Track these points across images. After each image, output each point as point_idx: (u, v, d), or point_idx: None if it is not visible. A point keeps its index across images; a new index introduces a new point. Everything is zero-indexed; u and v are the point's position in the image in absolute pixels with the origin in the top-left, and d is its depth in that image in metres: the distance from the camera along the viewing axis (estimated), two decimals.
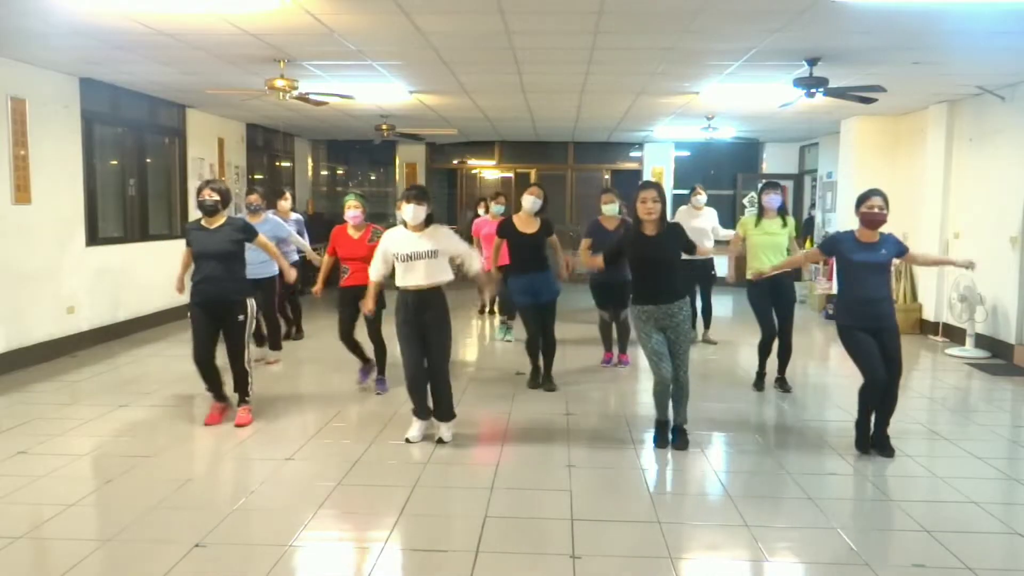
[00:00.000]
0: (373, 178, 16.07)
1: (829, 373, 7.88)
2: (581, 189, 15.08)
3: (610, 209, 7.01)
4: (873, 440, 5.03)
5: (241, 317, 5.33)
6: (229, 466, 4.81)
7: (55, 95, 7.53)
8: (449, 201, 15.63)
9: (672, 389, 5.03)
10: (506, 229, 6.52)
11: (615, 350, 7.41)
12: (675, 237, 5.03)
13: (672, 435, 5.12)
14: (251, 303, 5.42)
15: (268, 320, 7.38)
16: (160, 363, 7.44)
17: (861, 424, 5.04)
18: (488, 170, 15.42)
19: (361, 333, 6.26)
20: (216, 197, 5.32)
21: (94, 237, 8.22)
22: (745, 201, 14.08)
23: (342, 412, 5.77)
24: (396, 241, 5.02)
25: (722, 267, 8.98)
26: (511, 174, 15.32)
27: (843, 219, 10.10)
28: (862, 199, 4.92)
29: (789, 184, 14.59)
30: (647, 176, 14.49)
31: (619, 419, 5.77)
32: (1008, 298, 7.91)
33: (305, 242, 8.02)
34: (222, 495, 4.35)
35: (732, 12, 5.21)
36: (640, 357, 6.54)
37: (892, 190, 10.30)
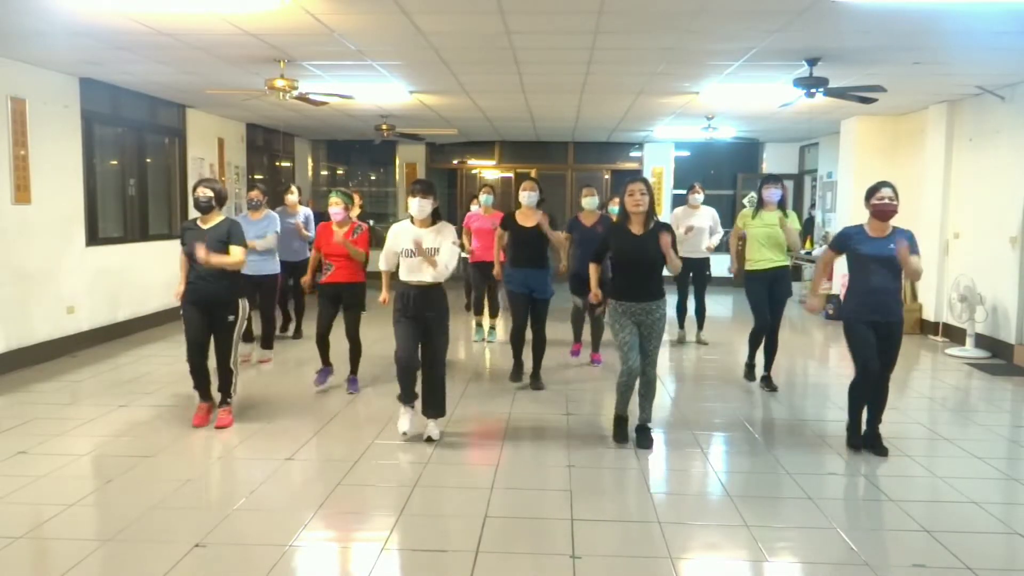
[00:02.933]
0: (373, 178, 16.07)
1: (828, 373, 7.87)
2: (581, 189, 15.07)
3: (589, 203, 7.07)
4: (865, 439, 5.05)
5: (231, 318, 5.30)
6: (229, 466, 4.81)
7: (55, 95, 7.53)
8: (449, 201, 15.62)
9: (639, 385, 5.05)
10: (507, 222, 6.60)
11: (580, 346, 7.44)
12: (662, 239, 4.92)
13: (637, 434, 5.12)
14: (243, 304, 5.40)
15: (265, 319, 7.40)
16: (160, 363, 7.44)
17: (853, 423, 5.07)
18: (488, 170, 15.41)
19: (339, 330, 6.27)
20: (210, 194, 5.28)
21: (94, 237, 8.22)
22: (745, 201, 14.07)
23: (342, 412, 5.77)
24: (400, 235, 5.02)
25: (718, 266, 8.96)
26: (511, 174, 15.32)
27: (843, 219, 10.10)
28: (872, 191, 4.93)
29: (789, 184, 14.58)
30: (647, 176, 14.51)
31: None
32: (1008, 298, 7.91)
33: (271, 240, 7.46)
34: (222, 495, 4.35)
35: (732, 12, 5.21)
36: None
37: None
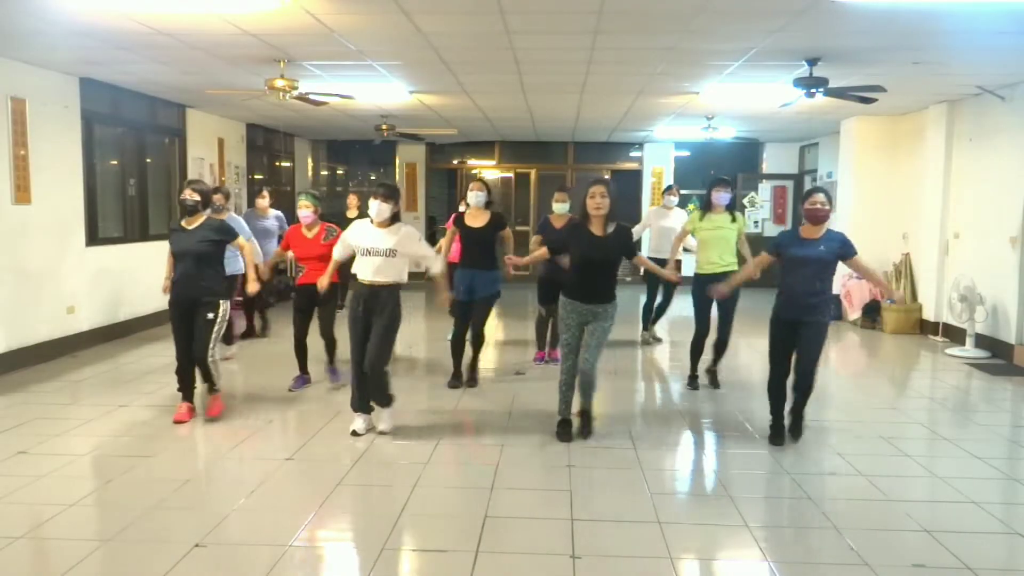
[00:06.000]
0: (373, 178, 16.05)
1: (828, 374, 7.86)
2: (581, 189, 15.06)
3: (560, 208, 7.08)
4: (788, 423, 5.15)
5: (211, 316, 5.37)
6: (229, 466, 4.81)
7: (55, 95, 7.53)
8: (449, 201, 15.62)
9: (577, 380, 5.08)
10: (458, 221, 6.60)
11: (544, 354, 7.47)
12: (621, 241, 5.03)
13: (579, 419, 5.19)
14: (224, 305, 5.46)
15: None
16: (160, 363, 7.43)
17: (776, 420, 5.17)
18: (488, 170, 15.41)
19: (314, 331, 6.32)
20: (196, 197, 5.40)
21: (94, 237, 8.22)
22: (745, 201, 14.08)
23: (343, 412, 5.76)
24: (359, 233, 5.14)
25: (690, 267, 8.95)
26: (511, 174, 15.32)
27: (843, 219, 10.10)
28: (806, 196, 5.07)
29: (789, 184, 14.60)
30: (647, 176, 14.50)
31: (619, 419, 5.77)
32: (1008, 298, 7.91)
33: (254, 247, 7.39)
34: (222, 495, 4.35)
35: (732, 12, 5.21)
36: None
37: (892, 190, 10.43)
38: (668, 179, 14.39)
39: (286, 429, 5.40)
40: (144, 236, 9.23)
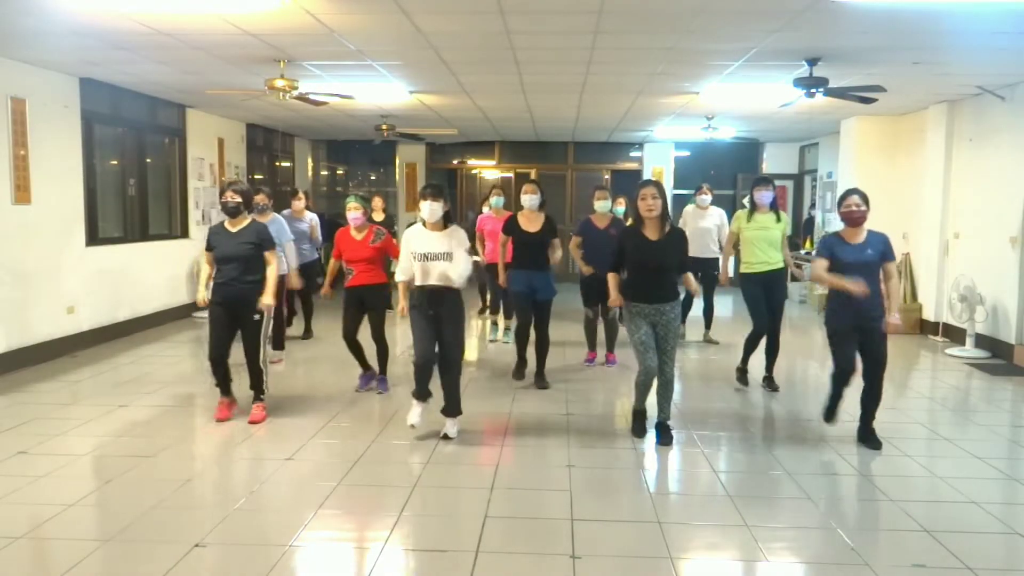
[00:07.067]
0: (373, 178, 16.06)
1: (829, 373, 7.85)
2: (581, 189, 15.06)
3: (602, 206, 7.06)
4: (859, 435, 5.13)
5: (257, 316, 5.41)
6: (229, 466, 4.81)
7: (55, 95, 7.53)
8: (450, 201, 15.59)
9: (656, 385, 5.10)
10: (510, 227, 6.62)
11: (599, 350, 7.44)
12: (677, 246, 5.02)
13: (656, 432, 5.17)
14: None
15: (275, 320, 7.39)
16: (160, 363, 7.44)
17: (834, 398, 5.20)
18: (488, 170, 15.41)
19: (364, 333, 6.26)
20: (238, 199, 5.40)
21: (94, 237, 8.22)
22: (745, 201, 14.07)
23: (343, 412, 5.77)
24: (414, 239, 5.07)
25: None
26: (511, 174, 15.32)
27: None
28: (841, 199, 5.03)
29: (789, 184, 14.60)
30: (647, 176, 14.51)
31: (619, 419, 5.77)
32: (1008, 298, 7.91)
33: (292, 251, 7.38)
34: (222, 495, 4.35)
35: (732, 12, 5.21)
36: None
37: (892, 190, 10.44)
38: (668, 179, 14.42)
39: (287, 429, 5.40)
40: (144, 236, 9.23)
